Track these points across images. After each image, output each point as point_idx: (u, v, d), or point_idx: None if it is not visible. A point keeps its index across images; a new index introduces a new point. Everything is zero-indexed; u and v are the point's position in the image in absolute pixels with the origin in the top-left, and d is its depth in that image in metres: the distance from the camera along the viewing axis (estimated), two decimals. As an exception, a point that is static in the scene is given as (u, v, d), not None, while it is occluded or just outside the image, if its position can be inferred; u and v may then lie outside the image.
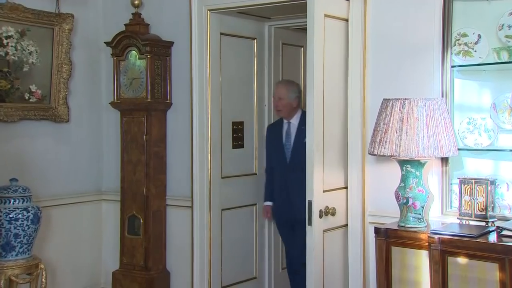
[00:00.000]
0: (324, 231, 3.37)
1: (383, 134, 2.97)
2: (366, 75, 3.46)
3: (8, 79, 3.96)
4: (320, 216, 3.32)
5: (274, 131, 4.36)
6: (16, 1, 3.96)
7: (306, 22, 3.32)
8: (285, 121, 4.28)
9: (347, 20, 3.49)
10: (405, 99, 2.95)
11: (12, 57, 3.96)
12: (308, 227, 3.29)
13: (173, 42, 4.32)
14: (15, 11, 3.94)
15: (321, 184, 3.33)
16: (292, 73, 4.87)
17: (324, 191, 3.36)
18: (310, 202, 3.26)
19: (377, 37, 3.43)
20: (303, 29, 4.36)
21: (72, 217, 4.47)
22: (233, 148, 4.41)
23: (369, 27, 3.44)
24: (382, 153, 2.98)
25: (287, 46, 4.82)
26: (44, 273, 3.60)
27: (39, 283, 3.58)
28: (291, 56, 4.86)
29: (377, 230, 3.09)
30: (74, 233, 4.49)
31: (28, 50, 4.03)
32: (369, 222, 3.45)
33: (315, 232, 3.29)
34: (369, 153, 3.12)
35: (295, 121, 4.25)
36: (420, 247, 2.93)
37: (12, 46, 3.95)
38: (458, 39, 3.20)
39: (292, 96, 4.21)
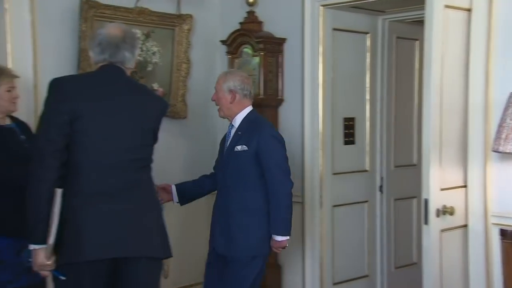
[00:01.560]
0: (441, 230, 3.25)
1: (510, 130, 2.80)
2: (491, 68, 3.25)
3: (135, 78, 4.24)
4: (437, 215, 3.19)
5: (228, 133, 3.39)
6: (143, 5, 4.23)
7: (422, 14, 3.20)
8: (230, 122, 3.32)
9: (469, 10, 3.32)
10: (536, 92, 2.76)
11: (139, 57, 4.20)
12: (424, 226, 3.18)
13: (286, 38, 4.37)
14: (142, 14, 4.22)
15: (438, 182, 3.20)
16: (406, 68, 4.72)
17: (441, 189, 3.24)
18: (426, 201, 3.16)
19: (505, 26, 3.20)
20: (418, 22, 4.22)
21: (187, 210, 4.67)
22: (344, 144, 4.36)
23: (496, 16, 3.22)
24: (508, 151, 2.81)
25: (401, 40, 4.67)
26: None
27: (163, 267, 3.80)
28: (405, 50, 4.70)
29: (503, 232, 2.94)
30: (189, 226, 4.69)
31: (152, 50, 4.28)
32: (493, 223, 3.25)
33: (432, 232, 3.17)
34: (493, 150, 2.95)
35: (236, 123, 3.26)
36: (552, 252, 2.73)
37: (139, 47, 4.22)
38: None
39: (226, 87, 3.20)
